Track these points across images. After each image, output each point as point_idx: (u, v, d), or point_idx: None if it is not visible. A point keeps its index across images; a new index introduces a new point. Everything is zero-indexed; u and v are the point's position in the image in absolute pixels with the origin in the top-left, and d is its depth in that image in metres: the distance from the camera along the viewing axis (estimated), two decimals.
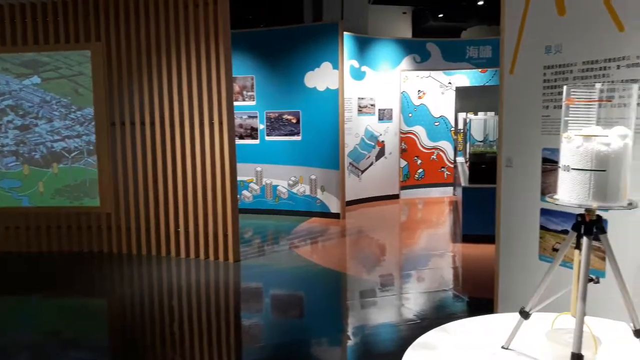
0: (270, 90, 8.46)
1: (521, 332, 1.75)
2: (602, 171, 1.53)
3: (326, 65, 8.10)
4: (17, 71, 6.29)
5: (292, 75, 8.32)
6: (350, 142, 9.01)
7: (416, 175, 10.42)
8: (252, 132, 8.63)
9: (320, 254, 6.61)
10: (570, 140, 1.58)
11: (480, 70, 10.13)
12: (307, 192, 8.49)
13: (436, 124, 10.47)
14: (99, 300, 5.01)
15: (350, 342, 3.95)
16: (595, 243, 1.62)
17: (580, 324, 1.51)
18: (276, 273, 5.65)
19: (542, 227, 3.09)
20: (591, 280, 1.59)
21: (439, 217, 8.97)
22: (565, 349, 1.55)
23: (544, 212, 3.06)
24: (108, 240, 6.35)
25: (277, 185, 8.65)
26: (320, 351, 3.91)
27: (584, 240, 1.59)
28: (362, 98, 9.22)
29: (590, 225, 1.59)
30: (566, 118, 1.61)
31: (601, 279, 1.88)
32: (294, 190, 8.57)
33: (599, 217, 1.60)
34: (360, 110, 9.22)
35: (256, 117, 8.58)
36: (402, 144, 10.04)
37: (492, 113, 8.56)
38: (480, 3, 10.26)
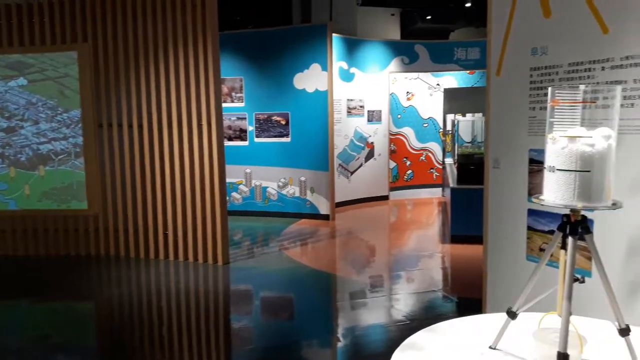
0: (259, 92, 8.45)
1: (509, 332, 1.76)
2: (587, 172, 1.54)
3: (315, 67, 8.11)
4: (3, 73, 6.23)
5: (281, 76, 8.31)
6: (340, 143, 9.02)
7: (405, 177, 10.45)
8: (241, 134, 8.61)
9: (310, 255, 6.61)
10: (555, 142, 1.59)
11: (468, 71, 10.18)
12: (297, 194, 8.49)
13: (425, 125, 10.51)
14: (87, 304, 4.97)
15: (340, 344, 3.95)
16: (582, 243, 1.63)
17: (566, 323, 1.52)
18: (266, 275, 5.64)
19: (530, 228, 3.11)
20: (577, 280, 1.60)
21: (428, 218, 9.00)
22: (551, 348, 1.56)
23: (531, 212, 3.08)
24: (96, 243, 6.30)
25: (267, 187, 8.64)
26: (310, 353, 3.91)
27: (569, 240, 1.60)
28: (352, 99, 9.24)
29: (575, 226, 1.60)
30: (551, 119, 1.63)
31: (587, 279, 1.90)
32: (284, 191, 8.56)
33: (584, 217, 1.61)
34: (350, 111, 9.24)
35: (245, 118, 8.56)
36: (391, 145, 10.07)
37: (480, 114, 8.62)
38: (468, 5, 10.31)
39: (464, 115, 9.16)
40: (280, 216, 8.50)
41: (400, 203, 9.93)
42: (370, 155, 9.64)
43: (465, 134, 9.03)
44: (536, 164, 3.01)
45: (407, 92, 10.39)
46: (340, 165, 9.10)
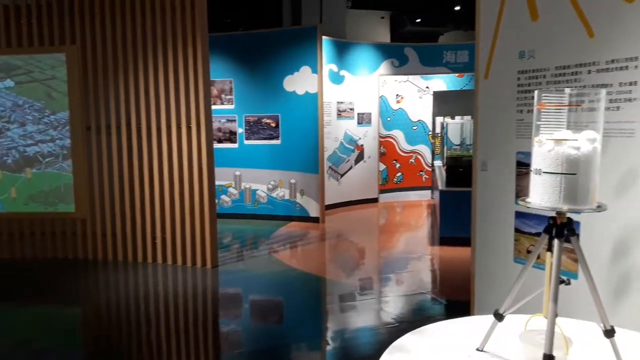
0: (249, 94, 8.44)
1: (496, 334, 1.77)
2: (573, 174, 1.55)
3: (305, 69, 8.11)
4: None
5: (271, 78, 8.31)
6: (330, 146, 9.03)
7: (395, 179, 10.48)
8: (231, 136, 8.58)
9: (300, 258, 6.60)
10: (541, 144, 1.61)
11: (457, 74, 10.24)
12: (287, 197, 8.48)
13: (414, 128, 10.55)
14: (74, 308, 4.91)
15: (329, 347, 3.95)
16: (568, 245, 1.64)
17: (552, 325, 1.53)
18: (255, 278, 5.62)
19: (517, 230, 3.13)
20: (562, 282, 1.61)
21: (417, 220, 9.03)
22: (537, 349, 1.57)
23: (519, 215, 3.10)
24: (83, 246, 6.24)
25: (256, 190, 8.61)
26: (300, 356, 3.90)
27: (555, 242, 1.61)
28: (341, 102, 9.25)
29: (561, 228, 1.61)
30: (538, 122, 1.64)
31: (573, 281, 1.91)
32: (273, 194, 8.54)
33: (570, 219, 1.63)
34: (340, 114, 9.25)
35: (235, 120, 8.54)
36: (381, 148, 10.09)
37: (469, 117, 8.66)
38: (457, 8, 10.39)
39: (453, 118, 9.21)
40: (269, 219, 8.48)
41: (389, 205, 9.95)
42: (360, 158, 9.66)
43: (454, 137, 9.07)
44: (524, 167, 3.03)
45: (397, 95, 10.42)
46: (330, 167, 9.10)
